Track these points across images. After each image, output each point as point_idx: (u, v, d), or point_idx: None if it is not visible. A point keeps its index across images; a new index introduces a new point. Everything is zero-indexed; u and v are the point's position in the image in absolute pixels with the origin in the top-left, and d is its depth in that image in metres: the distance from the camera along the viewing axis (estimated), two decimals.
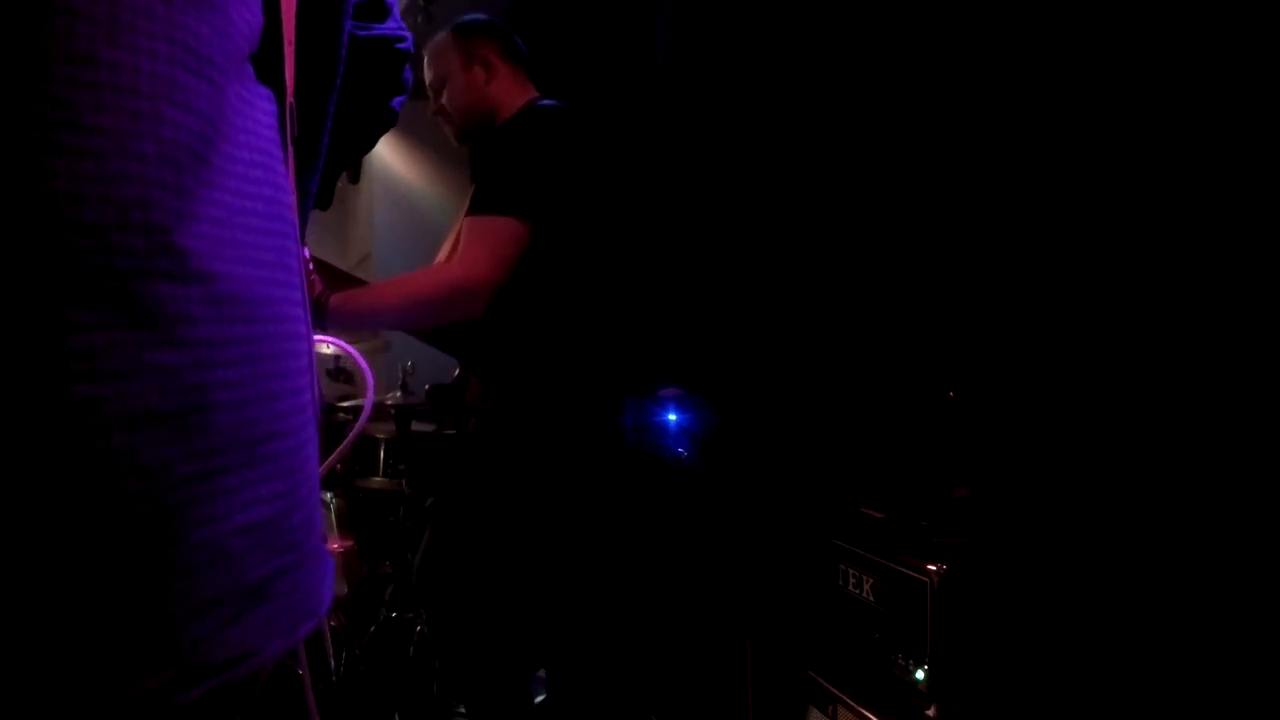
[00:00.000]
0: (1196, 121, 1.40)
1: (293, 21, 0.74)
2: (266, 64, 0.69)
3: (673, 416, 2.41)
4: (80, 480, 0.52)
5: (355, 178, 5.08)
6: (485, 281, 1.73)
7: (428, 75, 2.06)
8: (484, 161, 1.85)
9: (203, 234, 0.59)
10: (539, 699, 2.16)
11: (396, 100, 1.08)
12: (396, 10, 1.00)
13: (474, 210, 1.78)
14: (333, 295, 1.72)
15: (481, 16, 2.09)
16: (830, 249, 2.18)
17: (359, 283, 1.88)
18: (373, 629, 2.68)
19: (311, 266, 1.70)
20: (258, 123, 0.66)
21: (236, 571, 0.60)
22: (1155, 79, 1.46)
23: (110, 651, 0.53)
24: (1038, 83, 1.67)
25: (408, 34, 1.02)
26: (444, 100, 2.03)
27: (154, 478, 0.55)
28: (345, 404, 3.06)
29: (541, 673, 2.22)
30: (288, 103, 0.73)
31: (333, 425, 2.86)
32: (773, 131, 2.35)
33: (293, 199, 0.71)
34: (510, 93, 2.01)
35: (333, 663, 2.40)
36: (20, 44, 0.51)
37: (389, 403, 2.72)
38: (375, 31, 0.96)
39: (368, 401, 1.25)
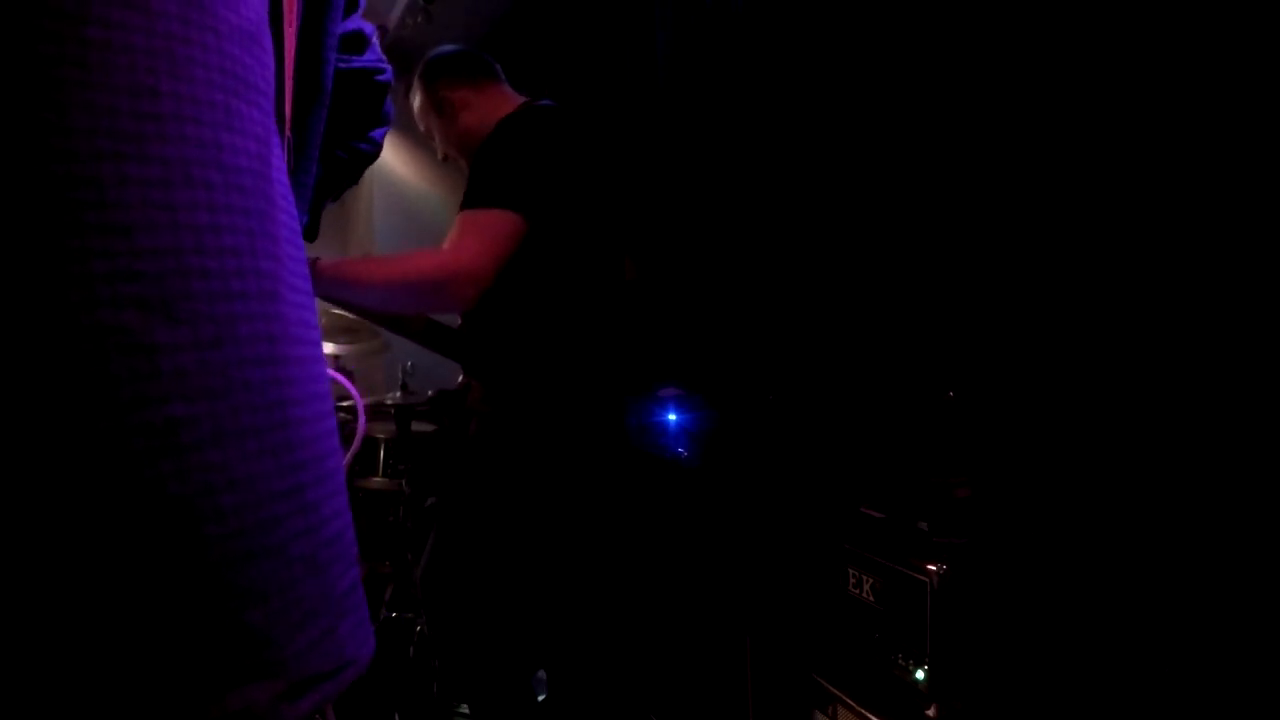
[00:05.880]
0: (1195, 122, 1.40)
1: (293, 55, 0.76)
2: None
3: (673, 416, 2.41)
4: (175, 498, 0.53)
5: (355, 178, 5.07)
6: (476, 270, 1.70)
7: (420, 126, 2.14)
8: (478, 159, 1.85)
9: (272, 254, 0.61)
10: (541, 698, 2.16)
11: (378, 132, 1.09)
12: (376, 43, 1.02)
13: (466, 204, 1.77)
14: (321, 261, 1.70)
15: (445, 49, 2.10)
16: (830, 249, 2.18)
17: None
18: (373, 629, 2.68)
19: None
20: (279, 155, 0.68)
21: (329, 583, 0.61)
22: (1154, 79, 1.46)
23: (202, 663, 0.53)
24: (1037, 84, 1.67)
25: (387, 65, 1.03)
26: (439, 144, 2.11)
27: (249, 492, 0.56)
28: (344, 404, 3.05)
29: (542, 673, 2.22)
30: (286, 137, 0.75)
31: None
32: (772, 132, 2.35)
33: (299, 227, 0.73)
34: (490, 112, 1.98)
35: None
36: (85, 82, 0.52)
37: (389, 403, 2.72)
38: (355, 64, 0.98)
39: (360, 425, 1.26)
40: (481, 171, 1.80)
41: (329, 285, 1.69)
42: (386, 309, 1.98)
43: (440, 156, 2.14)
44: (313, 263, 1.68)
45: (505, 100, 2.02)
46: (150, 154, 0.54)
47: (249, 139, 0.60)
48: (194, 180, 0.55)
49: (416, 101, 2.10)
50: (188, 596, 0.53)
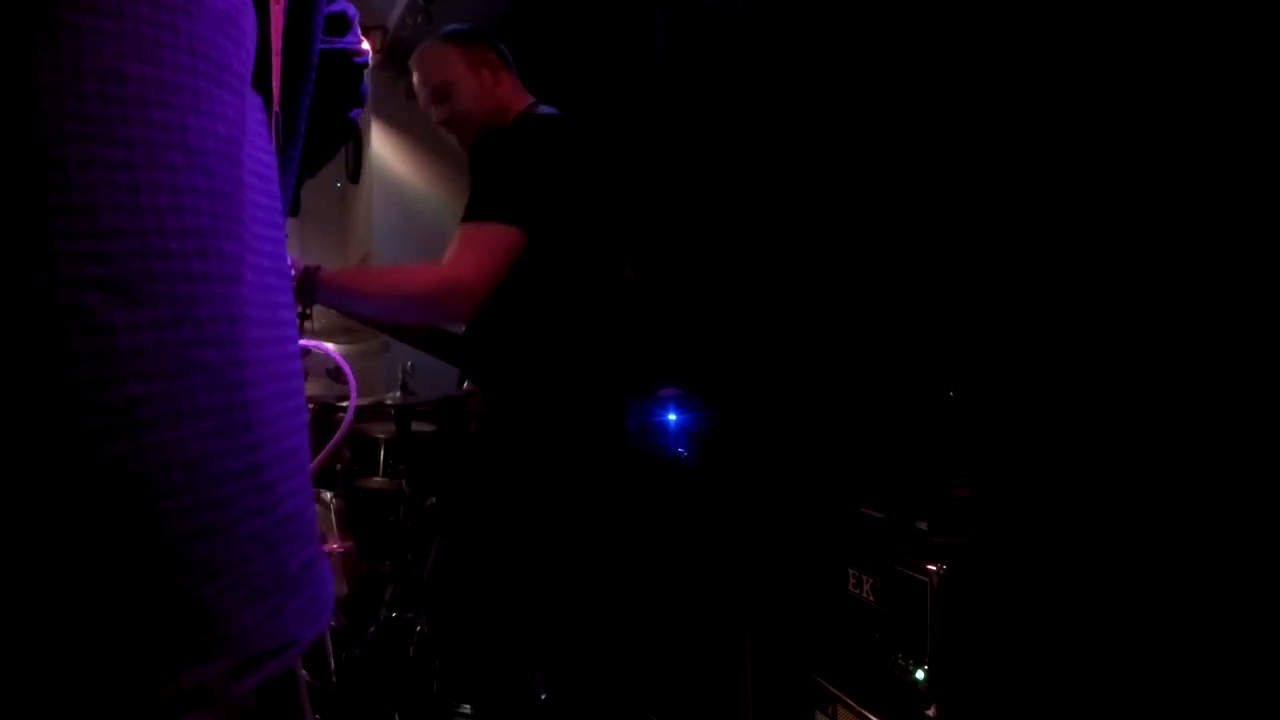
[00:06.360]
0: (1196, 121, 1.40)
1: (280, 32, 0.76)
2: (257, 73, 0.70)
3: (673, 416, 2.41)
4: (131, 475, 0.53)
5: (355, 177, 5.07)
6: (473, 284, 1.70)
7: (427, 85, 2.02)
8: (479, 168, 1.85)
9: (237, 235, 0.61)
10: (542, 697, 2.16)
11: (354, 112, 1.10)
12: (357, 26, 1.03)
13: (467, 217, 1.78)
14: (322, 270, 1.71)
15: (468, 26, 2.09)
16: (830, 249, 2.18)
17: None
18: (373, 629, 2.68)
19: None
20: (259, 134, 0.68)
21: (279, 562, 0.62)
22: (1154, 79, 1.46)
23: (158, 640, 0.54)
24: (1036, 84, 1.67)
25: (366, 49, 1.05)
26: (452, 107, 2.00)
27: (202, 470, 0.56)
28: (344, 404, 3.05)
29: (543, 672, 2.22)
30: (274, 112, 0.75)
31: (333, 425, 2.86)
32: (772, 133, 2.35)
33: (281, 206, 0.73)
34: (513, 97, 2.01)
35: (333, 663, 2.40)
36: (55, 66, 0.53)
37: (389, 403, 2.72)
38: (336, 45, 0.98)
39: (350, 406, 1.27)
40: (481, 184, 1.81)
41: (329, 293, 1.71)
42: (386, 319, 1.99)
43: (437, 120, 2.04)
44: (314, 271, 1.71)
45: (519, 95, 2.03)
46: (115, 136, 0.54)
47: (218, 121, 0.61)
48: (158, 163, 0.56)
49: (441, 55, 2.00)
50: (142, 573, 0.53)
